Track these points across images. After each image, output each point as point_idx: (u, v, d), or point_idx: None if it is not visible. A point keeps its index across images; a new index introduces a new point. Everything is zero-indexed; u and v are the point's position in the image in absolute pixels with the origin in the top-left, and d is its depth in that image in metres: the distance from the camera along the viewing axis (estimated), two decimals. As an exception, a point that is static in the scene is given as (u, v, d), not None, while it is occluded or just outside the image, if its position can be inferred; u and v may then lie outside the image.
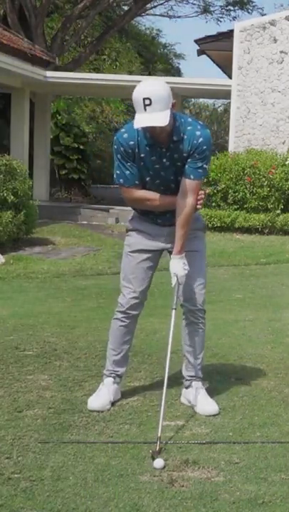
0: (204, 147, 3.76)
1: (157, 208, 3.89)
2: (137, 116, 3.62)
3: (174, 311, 3.85)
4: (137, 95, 3.61)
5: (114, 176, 3.91)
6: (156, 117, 3.56)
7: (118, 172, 3.86)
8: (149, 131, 3.70)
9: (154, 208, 3.90)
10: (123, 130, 3.84)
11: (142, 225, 4.02)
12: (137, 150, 3.77)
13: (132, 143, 3.76)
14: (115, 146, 3.82)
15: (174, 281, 3.86)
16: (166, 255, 4.03)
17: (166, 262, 3.98)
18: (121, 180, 3.86)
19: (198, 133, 3.76)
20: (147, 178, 3.84)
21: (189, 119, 3.85)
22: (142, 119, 3.59)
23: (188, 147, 3.75)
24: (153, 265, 4.06)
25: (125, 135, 3.79)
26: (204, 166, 3.80)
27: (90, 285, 8.29)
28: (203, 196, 3.89)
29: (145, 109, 3.57)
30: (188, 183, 3.79)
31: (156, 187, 3.87)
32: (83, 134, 18.91)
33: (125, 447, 3.44)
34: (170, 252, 3.98)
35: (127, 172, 3.82)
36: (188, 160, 3.77)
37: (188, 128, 3.76)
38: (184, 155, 3.77)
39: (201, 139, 3.75)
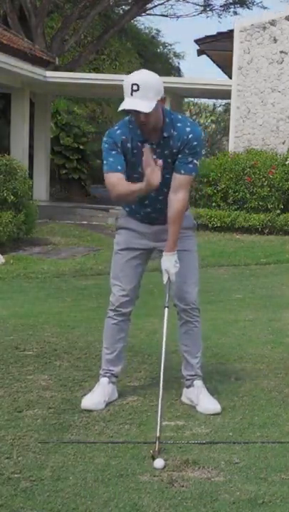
0: (194, 143, 3.79)
1: (120, 197, 3.78)
2: (124, 101, 3.64)
3: (166, 309, 3.83)
4: (127, 80, 3.64)
5: (103, 169, 3.86)
6: (140, 103, 3.58)
7: (104, 162, 3.84)
8: (134, 119, 3.70)
9: (120, 197, 3.79)
10: (116, 127, 3.87)
11: (130, 224, 4.03)
12: (129, 145, 3.79)
13: (123, 137, 3.78)
14: (105, 139, 3.83)
15: (165, 278, 3.86)
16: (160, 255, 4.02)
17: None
18: (105, 167, 3.82)
19: (188, 129, 3.79)
20: (135, 175, 3.83)
21: (179, 116, 3.88)
22: (126, 103, 3.61)
23: (178, 143, 3.77)
24: (142, 263, 4.07)
25: (118, 131, 3.81)
26: (195, 161, 3.82)
27: (90, 285, 8.29)
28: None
29: (132, 94, 3.59)
30: (179, 177, 3.81)
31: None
32: (83, 134, 18.89)
33: (125, 447, 3.44)
34: (161, 252, 3.99)
35: (111, 159, 3.79)
36: (179, 156, 3.79)
37: (178, 125, 3.79)
38: (174, 151, 3.79)
39: (191, 135, 3.78)
